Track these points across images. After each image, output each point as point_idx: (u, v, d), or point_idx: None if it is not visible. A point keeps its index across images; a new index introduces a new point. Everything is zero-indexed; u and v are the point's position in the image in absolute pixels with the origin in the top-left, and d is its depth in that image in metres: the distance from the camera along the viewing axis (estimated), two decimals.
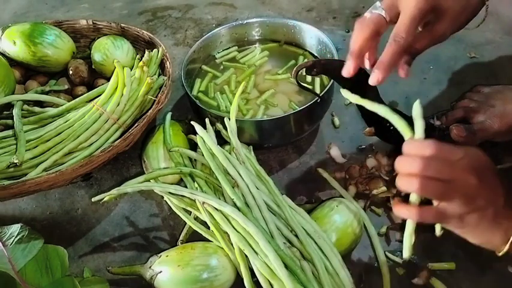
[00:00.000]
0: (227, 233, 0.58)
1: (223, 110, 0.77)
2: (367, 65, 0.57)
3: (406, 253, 0.47)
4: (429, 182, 0.43)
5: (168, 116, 0.75)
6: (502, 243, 0.46)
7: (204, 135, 0.66)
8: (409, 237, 0.47)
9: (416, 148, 0.45)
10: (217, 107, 0.78)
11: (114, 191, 0.61)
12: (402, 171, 0.45)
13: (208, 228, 0.61)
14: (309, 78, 0.80)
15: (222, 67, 0.86)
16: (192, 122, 0.68)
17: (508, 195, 0.46)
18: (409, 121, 0.67)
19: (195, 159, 0.70)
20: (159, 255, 0.59)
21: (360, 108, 0.68)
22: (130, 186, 0.63)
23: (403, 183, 0.45)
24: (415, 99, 0.47)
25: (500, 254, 0.47)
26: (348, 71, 0.55)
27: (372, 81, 0.53)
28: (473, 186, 0.44)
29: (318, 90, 0.77)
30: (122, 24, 0.88)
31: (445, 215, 0.44)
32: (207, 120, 0.70)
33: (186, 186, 0.65)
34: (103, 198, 0.61)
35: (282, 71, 0.82)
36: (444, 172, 0.43)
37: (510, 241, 0.45)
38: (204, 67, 0.85)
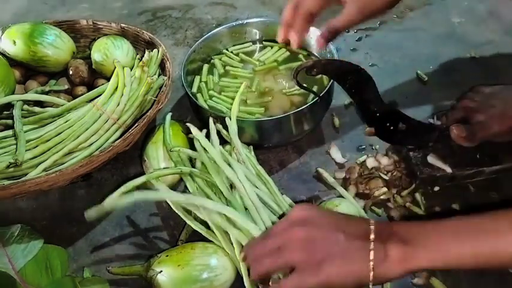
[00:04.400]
0: (227, 232, 0.58)
1: (226, 109, 0.77)
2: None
3: None
4: (264, 259, 0.48)
5: (168, 116, 0.75)
6: (364, 274, 0.45)
7: (201, 138, 0.66)
8: None
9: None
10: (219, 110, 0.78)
11: (119, 196, 0.58)
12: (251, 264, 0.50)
13: (208, 228, 0.61)
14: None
15: (225, 67, 0.86)
16: (187, 124, 0.68)
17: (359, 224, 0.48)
18: (412, 125, 0.67)
19: (195, 158, 0.70)
20: (159, 255, 0.59)
21: (360, 108, 0.68)
22: (142, 195, 0.58)
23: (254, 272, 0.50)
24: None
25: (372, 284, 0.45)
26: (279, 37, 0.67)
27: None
28: (299, 239, 0.46)
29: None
30: (122, 24, 0.88)
31: (303, 274, 0.45)
32: (211, 120, 0.70)
33: (186, 186, 0.65)
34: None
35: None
36: (270, 244, 0.48)
37: (372, 266, 0.44)
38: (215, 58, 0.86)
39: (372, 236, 0.45)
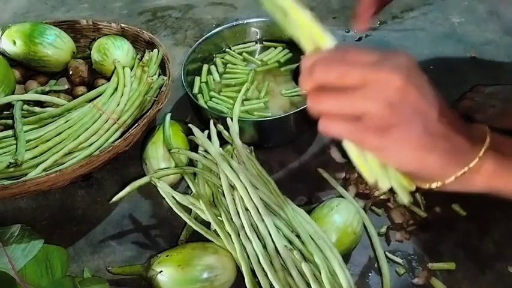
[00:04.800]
0: (229, 233, 0.58)
1: (226, 109, 0.77)
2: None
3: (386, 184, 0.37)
4: (328, 95, 0.36)
5: (168, 116, 0.75)
6: (437, 171, 0.37)
7: (202, 139, 0.66)
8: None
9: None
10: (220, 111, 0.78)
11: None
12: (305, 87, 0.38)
13: (209, 228, 0.61)
14: None
15: (226, 65, 0.85)
16: (189, 125, 0.68)
17: (444, 111, 0.38)
18: None
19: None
20: (159, 255, 0.59)
21: None
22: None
23: (311, 105, 0.37)
24: None
25: (437, 185, 0.38)
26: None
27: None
28: (395, 88, 0.34)
29: None
30: (122, 24, 0.88)
31: (364, 126, 0.35)
32: (211, 121, 0.70)
33: (187, 186, 0.65)
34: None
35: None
36: (350, 77, 0.35)
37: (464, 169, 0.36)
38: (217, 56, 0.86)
39: (487, 141, 0.37)
